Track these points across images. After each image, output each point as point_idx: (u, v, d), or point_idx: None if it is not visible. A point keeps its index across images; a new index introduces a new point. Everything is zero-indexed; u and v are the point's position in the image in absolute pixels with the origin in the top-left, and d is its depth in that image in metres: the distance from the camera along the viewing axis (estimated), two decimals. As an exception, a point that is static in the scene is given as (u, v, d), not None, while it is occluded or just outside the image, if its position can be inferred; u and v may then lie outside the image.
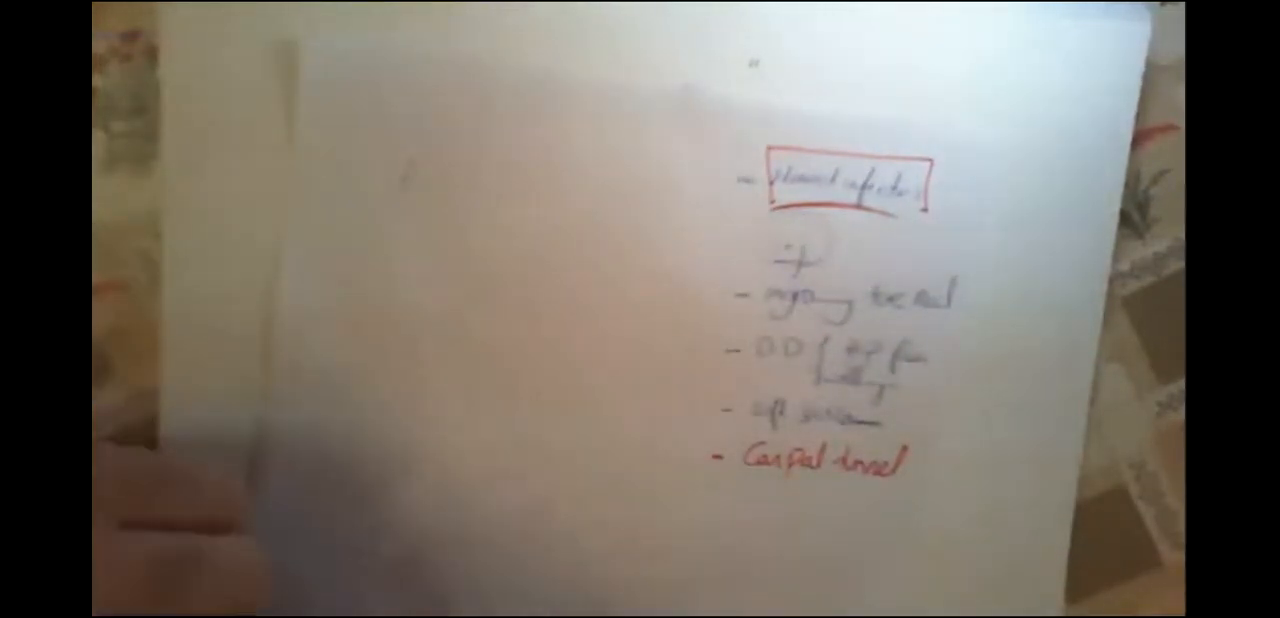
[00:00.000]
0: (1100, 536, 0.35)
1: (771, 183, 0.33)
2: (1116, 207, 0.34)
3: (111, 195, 0.33)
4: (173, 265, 0.33)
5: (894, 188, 0.33)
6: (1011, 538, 0.35)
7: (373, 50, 0.32)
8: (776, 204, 0.33)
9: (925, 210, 0.33)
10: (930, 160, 0.33)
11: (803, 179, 0.33)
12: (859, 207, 0.33)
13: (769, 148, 0.33)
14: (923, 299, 0.34)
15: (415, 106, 0.33)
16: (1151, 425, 0.35)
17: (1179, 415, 0.35)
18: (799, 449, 0.34)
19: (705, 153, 0.33)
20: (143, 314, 0.33)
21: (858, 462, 0.34)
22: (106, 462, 0.26)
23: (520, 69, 0.33)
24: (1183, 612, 0.27)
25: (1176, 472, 0.35)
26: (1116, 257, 0.34)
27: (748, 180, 0.33)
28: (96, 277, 0.33)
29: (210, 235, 0.33)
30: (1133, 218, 0.35)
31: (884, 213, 0.33)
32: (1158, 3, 0.34)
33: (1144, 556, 0.36)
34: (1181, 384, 0.35)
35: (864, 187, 0.33)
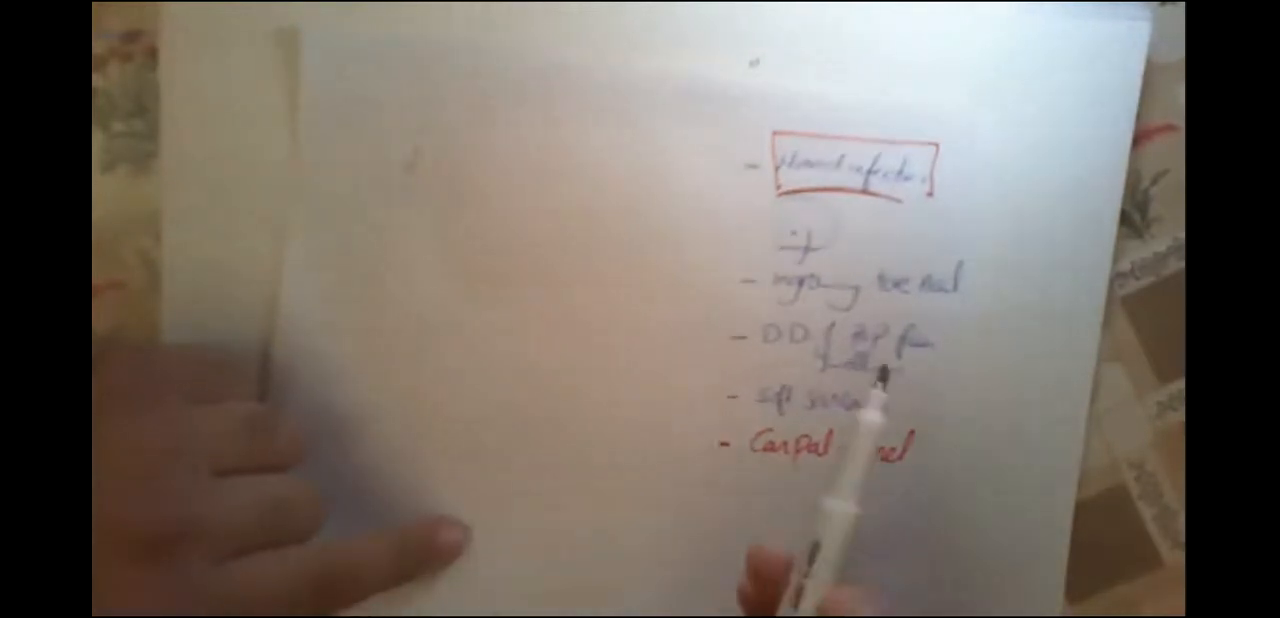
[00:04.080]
0: (1100, 536, 0.35)
1: (777, 168, 0.33)
2: (1117, 207, 0.34)
3: (111, 195, 0.33)
4: (173, 265, 0.33)
5: (900, 172, 0.33)
6: (1011, 538, 0.35)
7: (375, 40, 0.32)
8: (782, 190, 0.33)
9: (931, 195, 0.33)
10: (936, 144, 0.33)
11: (808, 164, 0.33)
12: (865, 191, 0.33)
13: (774, 133, 0.33)
14: (929, 284, 0.34)
15: (418, 96, 0.32)
16: (1151, 425, 0.35)
17: (1179, 415, 0.35)
18: (806, 436, 0.34)
19: (710, 139, 0.33)
20: (143, 314, 0.33)
21: None
22: (207, 420, 0.29)
23: (524, 58, 0.33)
24: (1183, 612, 0.27)
25: (1176, 472, 0.35)
26: (1116, 257, 0.34)
27: (753, 166, 0.33)
28: (96, 277, 0.33)
29: (210, 235, 0.33)
30: (1133, 218, 0.35)
31: (890, 197, 0.33)
32: (1158, 3, 0.34)
33: (1144, 556, 0.36)
34: (1181, 384, 0.35)
35: (870, 171, 0.33)
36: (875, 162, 0.33)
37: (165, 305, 0.33)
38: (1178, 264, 0.35)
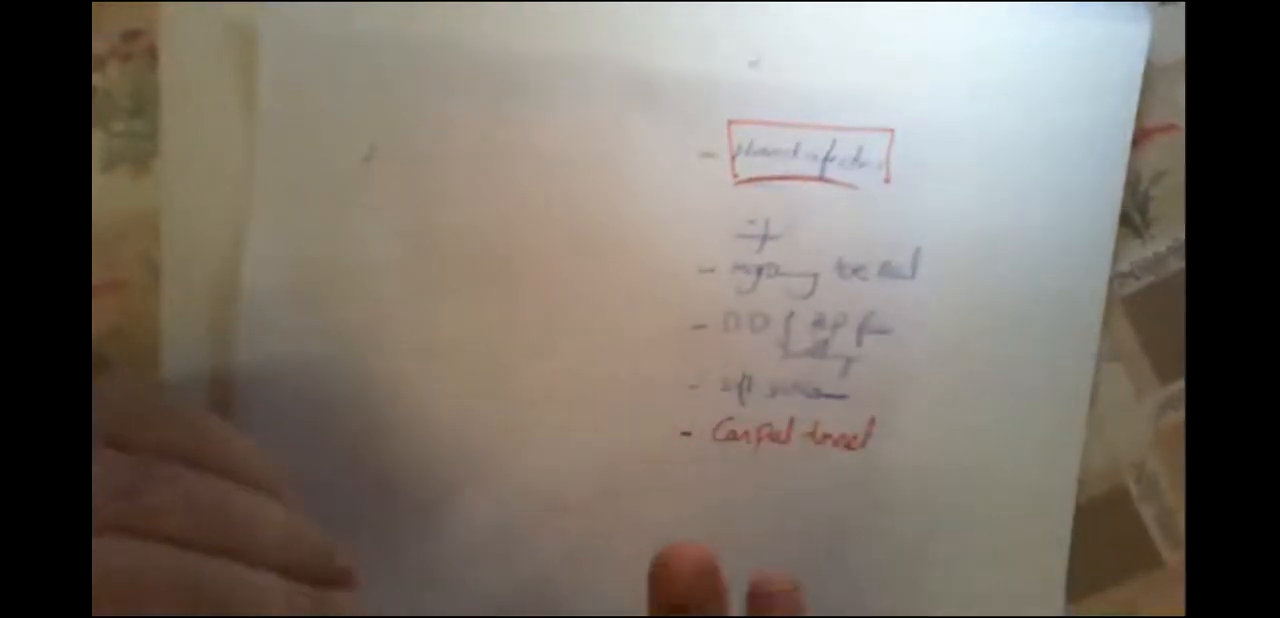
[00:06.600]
0: (1100, 536, 0.35)
1: (733, 157, 0.33)
2: (1116, 207, 0.34)
3: (111, 195, 0.33)
4: (173, 265, 0.33)
5: (856, 159, 0.33)
6: (1011, 537, 0.35)
7: (334, 29, 0.32)
8: (739, 178, 0.33)
9: (888, 182, 0.33)
10: (891, 131, 0.33)
11: (765, 152, 0.33)
12: (822, 178, 0.33)
13: (730, 121, 0.33)
14: (887, 271, 0.34)
15: (377, 86, 0.32)
16: (1151, 425, 0.35)
17: (1179, 415, 0.35)
18: (767, 424, 0.34)
19: (666, 128, 0.33)
20: (143, 314, 0.33)
21: (827, 435, 0.34)
22: (173, 429, 0.26)
23: (479, 47, 0.32)
24: (1183, 612, 0.27)
25: (1176, 472, 0.35)
26: (1116, 257, 0.34)
27: (710, 155, 0.33)
28: (96, 277, 0.33)
29: (210, 235, 0.33)
30: (1133, 218, 0.35)
31: (847, 184, 0.33)
32: (1158, 3, 0.34)
33: (1144, 556, 0.36)
34: (1181, 384, 0.35)
35: (826, 158, 0.33)
36: (831, 149, 0.33)
37: (165, 305, 0.33)
38: (1178, 264, 0.35)
